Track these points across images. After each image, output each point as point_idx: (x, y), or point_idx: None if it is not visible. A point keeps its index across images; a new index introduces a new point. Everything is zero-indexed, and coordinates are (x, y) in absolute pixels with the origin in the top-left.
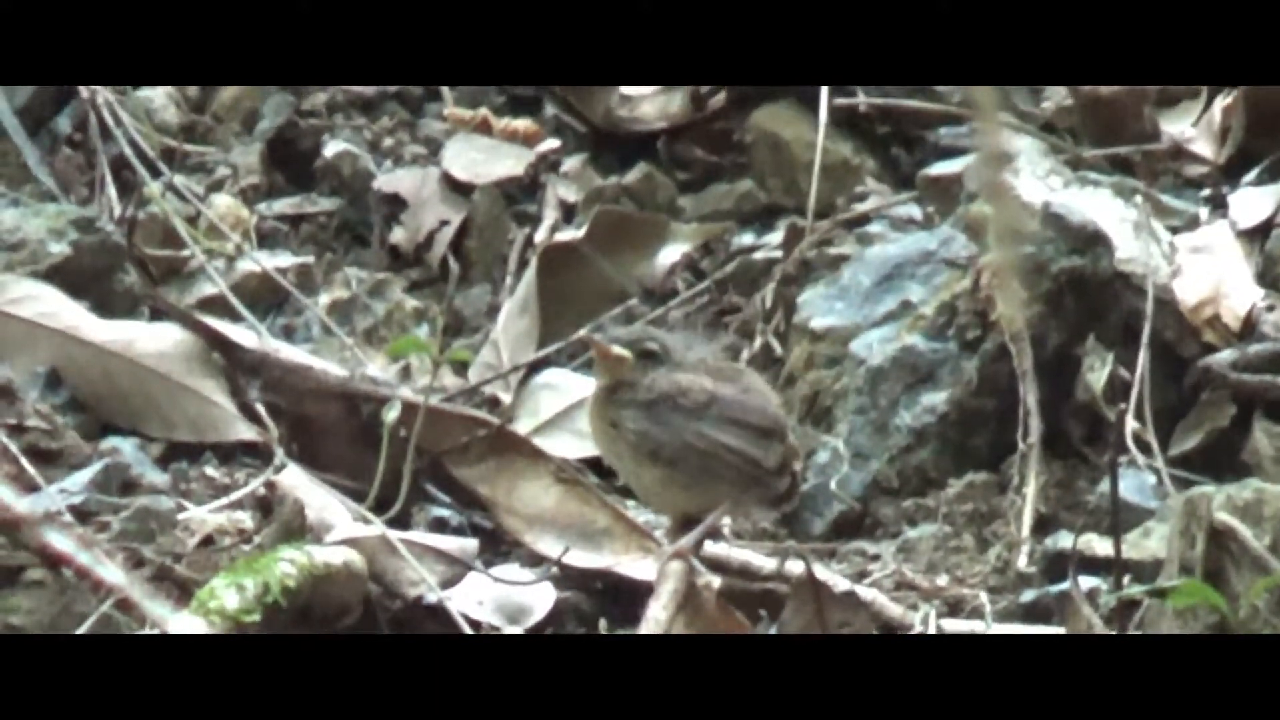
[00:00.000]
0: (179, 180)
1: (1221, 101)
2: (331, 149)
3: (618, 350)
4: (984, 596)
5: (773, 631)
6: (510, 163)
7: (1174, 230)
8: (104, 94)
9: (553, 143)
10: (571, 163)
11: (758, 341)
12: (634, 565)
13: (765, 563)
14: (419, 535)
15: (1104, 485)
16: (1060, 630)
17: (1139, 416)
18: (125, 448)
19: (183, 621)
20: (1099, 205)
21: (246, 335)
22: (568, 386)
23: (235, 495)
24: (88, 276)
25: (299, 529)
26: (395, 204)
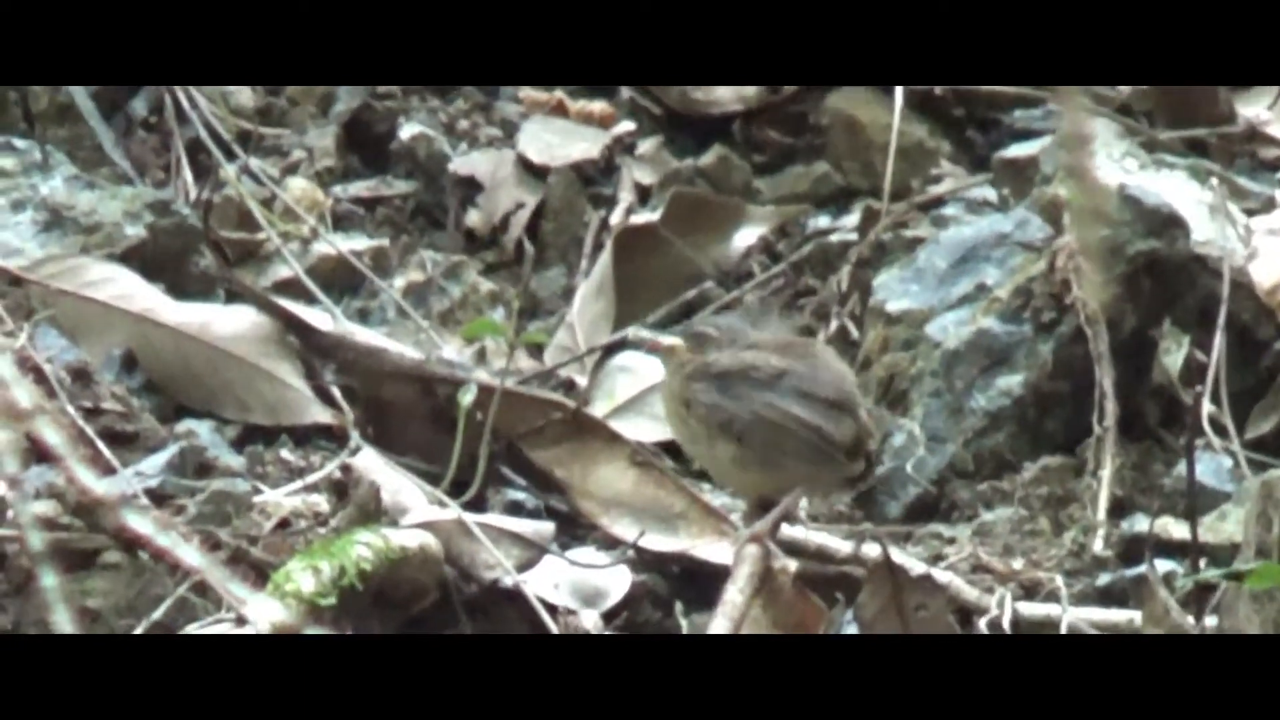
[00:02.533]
0: (254, 163)
1: None
2: (407, 131)
3: (665, 340)
4: (1059, 580)
5: (849, 616)
6: (585, 145)
7: (1250, 213)
8: None
9: (628, 125)
10: (647, 145)
11: (833, 324)
12: (710, 548)
13: (841, 546)
14: (495, 518)
15: (1180, 468)
16: (1133, 615)
17: (1215, 399)
18: (201, 430)
19: (259, 604)
20: (1175, 188)
21: (322, 318)
22: (644, 369)
23: (311, 478)
24: (163, 259)
25: (374, 512)
26: (470, 186)
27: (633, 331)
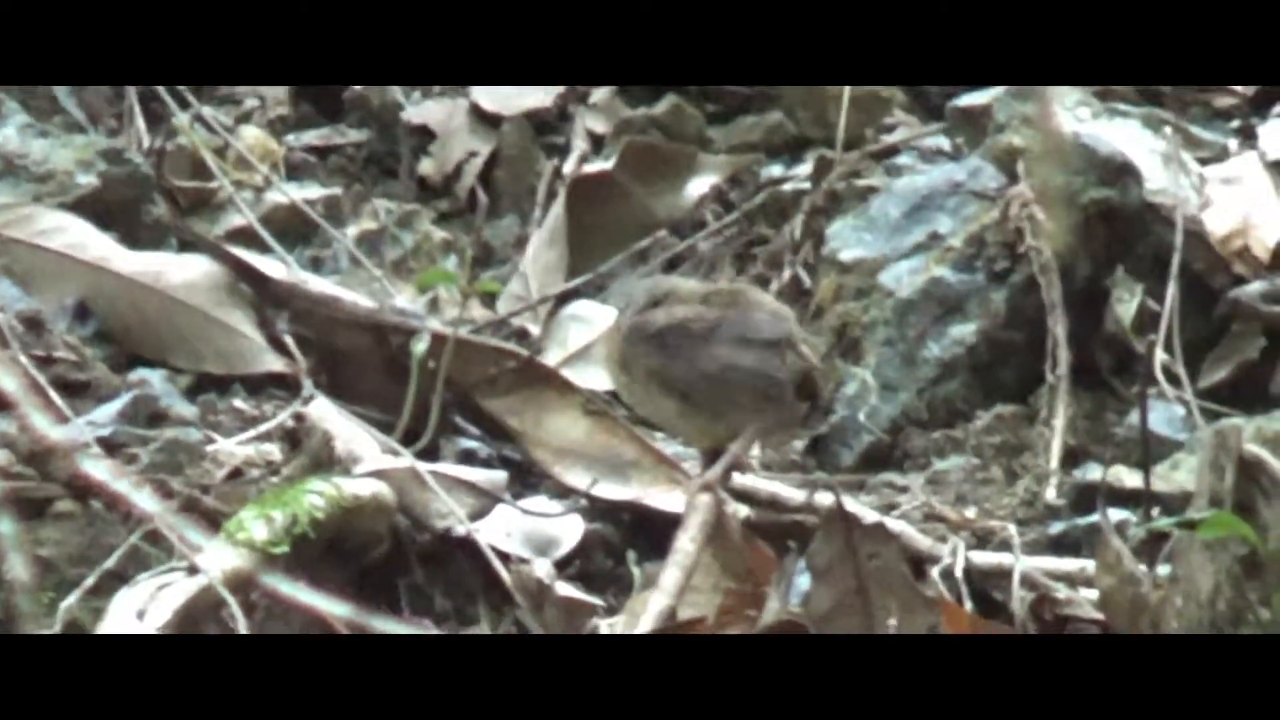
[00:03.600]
0: (207, 112)
1: None
2: None
3: None
4: (1012, 529)
5: (801, 564)
6: (539, 94)
7: (1203, 162)
8: None
9: None
10: (600, 94)
11: (786, 273)
12: (662, 497)
13: (794, 494)
14: (447, 467)
15: (1133, 417)
16: (1086, 564)
17: (1168, 348)
18: (154, 379)
19: (212, 552)
20: (1128, 136)
21: (275, 267)
22: (596, 318)
23: (264, 427)
24: (116, 208)
25: (327, 461)
26: (424, 135)
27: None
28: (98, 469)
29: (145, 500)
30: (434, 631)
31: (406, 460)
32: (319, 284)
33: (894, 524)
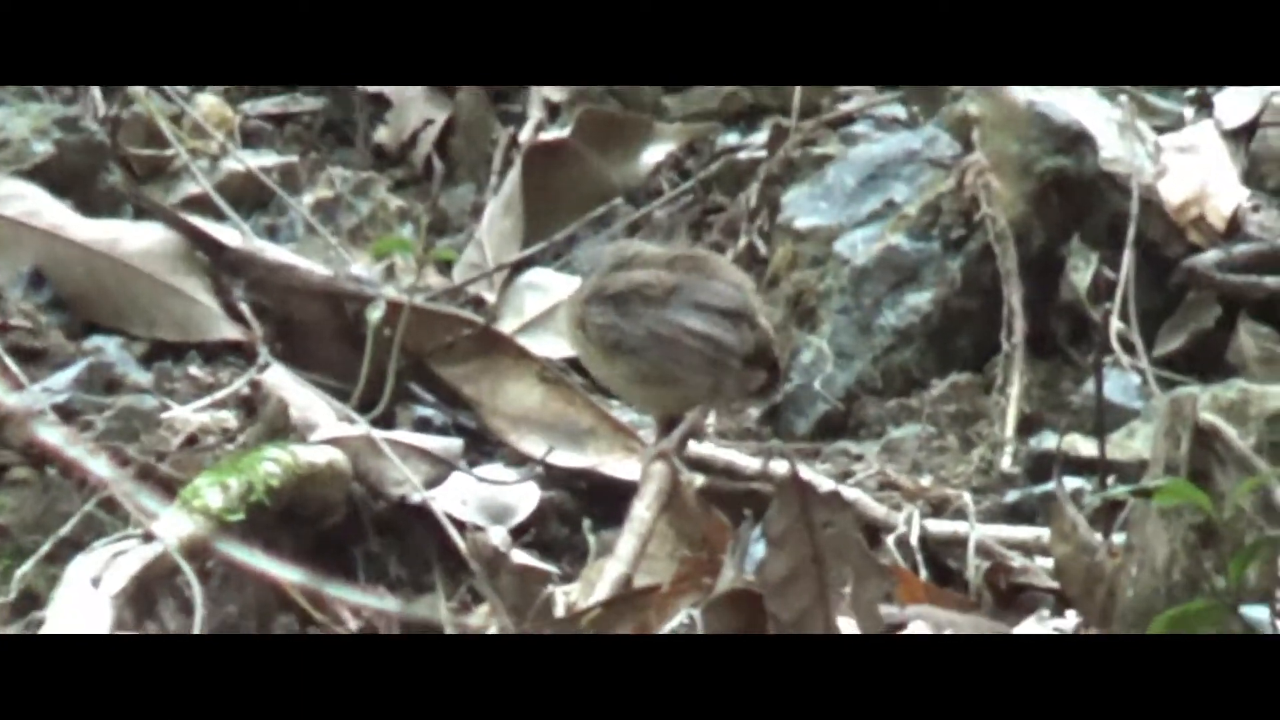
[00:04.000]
0: None
1: None
2: None
3: None
4: (967, 497)
5: (756, 533)
6: None
7: (1159, 130)
8: None
9: None
10: None
11: (742, 241)
12: (618, 465)
13: (749, 462)
14: (403, 435)
15: (1088, 386)
16: (1041, 532)
17: (1123, 317)
18: (109, 347)
19: (168, 520)
20: (1084, 105)
21: (231, 234)
22: (552, 286)
23: (219, 394)
24: (71, 175)
25: (283, 428)
26: (379, 103)
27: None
28: (53, 436)
29: (100, 467)
30: (394, 605)
31: (362, 428)
32: (275, 252)
33: (849, 492)
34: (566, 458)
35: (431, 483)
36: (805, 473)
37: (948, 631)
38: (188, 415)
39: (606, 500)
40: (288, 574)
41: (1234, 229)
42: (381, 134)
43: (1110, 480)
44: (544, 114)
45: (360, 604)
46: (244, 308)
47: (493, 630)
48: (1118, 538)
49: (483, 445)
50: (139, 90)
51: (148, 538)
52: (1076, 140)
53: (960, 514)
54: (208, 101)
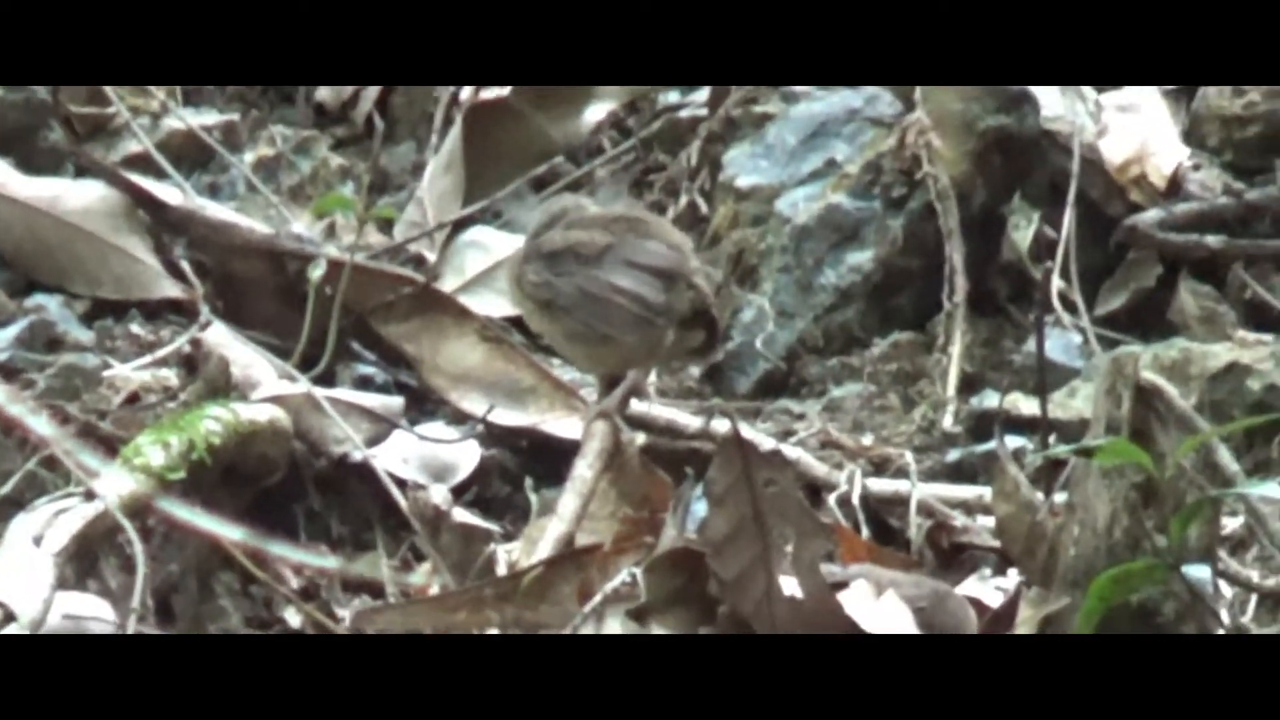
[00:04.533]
0: None
1: None
2: None
3: None
4: (909, 456)
5: (698, 491)
6: None
7: (1100, 89)
8: None
9: None
10: None
11: (683, 200)
12: (559, 423)
13: (691, 421)
14: (344, 393)
15: (1030, 344)
16: (982, 491)
17: (1065, 275)
18: (50, 305)
19: (109, 478)
20: None
21: (172, 193)
22: (493, 244)
23: (160, 353)
24: (12, 134)
25: (224, 386)
26: None
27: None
28: None
29: (41, 426)
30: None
31: (303, 386)
32: (216, 210)
33: (791, 451)
34: (508, 416)
35: (373, 441)
36: (747, 431)
37: (889, 590)
38: (129, 373)
39: (548, 459)
40: (229, 532)
41: (1175, 188)
42: (323, 92)
43: (1052, 439)
44: None
45: (301, 562)
46: (185, 266)
47: (435, 589)
48: (1059, 497)
49: (424, 403)
50: None
51: (89, 496)
52: (1018, 99)
53: (902, 473)
54: None
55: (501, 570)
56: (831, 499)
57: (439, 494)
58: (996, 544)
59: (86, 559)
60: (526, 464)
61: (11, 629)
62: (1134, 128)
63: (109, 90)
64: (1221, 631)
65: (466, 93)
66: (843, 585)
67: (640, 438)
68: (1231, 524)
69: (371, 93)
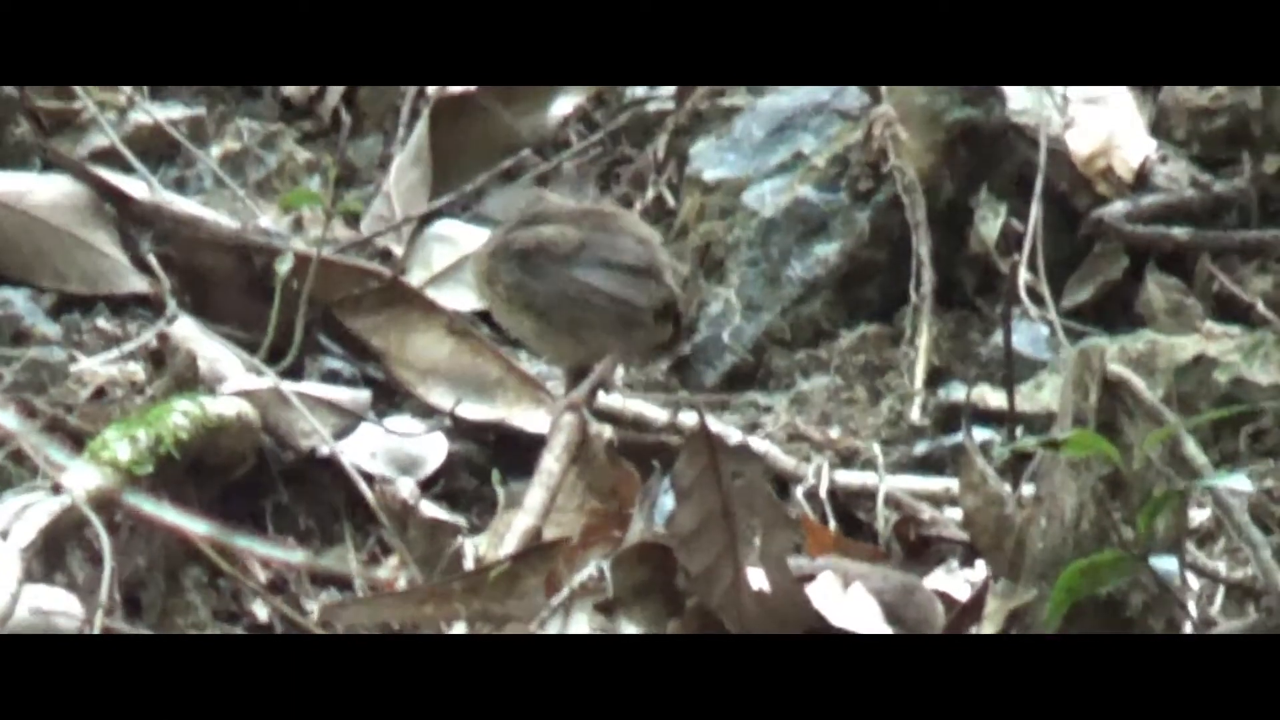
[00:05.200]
0: None
1: None
2: None
3: None
4: (877, 448)
5: (665, 485)
6: None
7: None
8: None
9: None
10: None
11: (650, 193)
12: (527, 417)
13: (658, 414)
14: (311, 386)
15: (997, 337)
16: (950, 483)
17: (1032, 268)
18: (16, 299)
19: (76, 472)
20: None
21: (138, 187)
22: (460, 238)
23: (127, 347)
24: None
25: (191, 380)
26: None
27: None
28: None
29: (6, 420)
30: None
31: (270, 380)
32: (182, 204)
33: (758, 444)
34: (475, 409)
35: (340, 434)
36: (714, 424)
37: (856, 582)
38: (96, 367)
39: (515, 452)
40: (195, 527)
41: (1141, 180)
42: (289, 86)
43: (1019, 431)
44: None
45: (268, 556)
46: (152, 260)
47: (402, 583)
48: (1027, 489)
49: (391, 397)
50: None
51: (56, 490)
52: (984, 91)
53: (869, 465)
54: None
55: (469, 564)
56: (799, 491)
57: (406, 487)
58: (964, 536)
59: (54, 553)
60: (494, 457)
61: None
62: (1101, 120)
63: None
64: (1189, 624)
65: (433, 87)
66: (810, 578)
67: (608, 431)
68: (1199, 516)
69: (338, 87)
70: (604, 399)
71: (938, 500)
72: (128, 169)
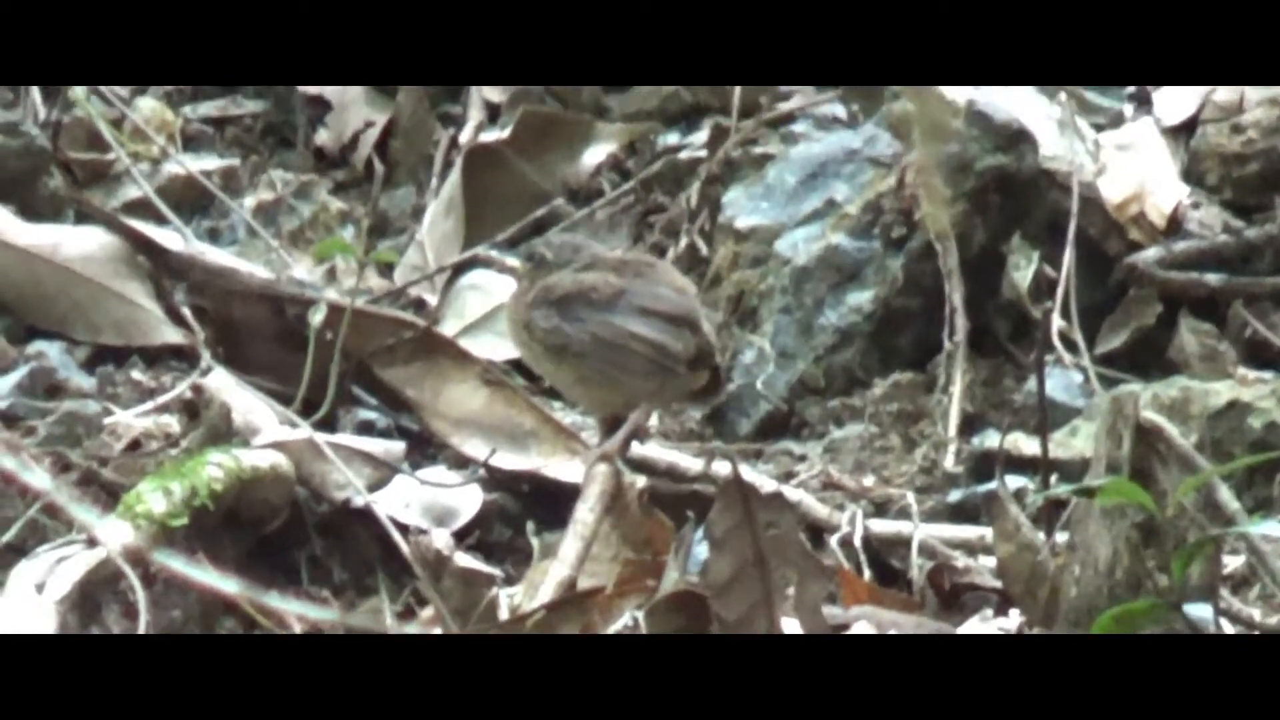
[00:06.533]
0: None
1: None
2: None
3: (510, 261)
4: (911, 496)
5: (699, 534)
6: None
7: (1099, 128)
8: None
9: None
10: None
11: (683, 241)
12: (561, 467)
13: (692, 464)
14: (346, 438)
15: (1030, 384)
16: (984, 531)
17: (1065, 315)
18: (51, 352)
19: (110, 526)
20: (1023, 103)
21: (172, 238)
22: (493, 288)
23: (162, 399)
24: (13, 180)
25: (225, 432)
26: (320, 105)
27: (482, 250)
28: None
29: (35, 477)
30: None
31: (304, 431)
32: (216, 255)
33: (792, 493)
34: (509, 460)
35: (374, 486)
36: (748, 473)
37: (891, 631)
38: (130, 420)
39: (549, 502)
40: (225, 584)
41: (1174, 226)
42: (322, 136)
43: (1053, 479)
44: (484, 115)
45: (301, 614)
46: (186, 311)
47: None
48: (1061, 536)
49: (425, 448)
50: (80, 94)
51: (91, 543)
52: (1016, 138)
53: (903, 513)
54: (148, 105)
55: (504, 615)
56: (833, 540)
57: (441, 539)
58: (998, 584)
59: (89, 606)
60: (528, 508)
61: None
62: (1133, 166)
63: (109, 136)
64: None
65: (466, 136)
66: (845, 627)
67: (641, 480)
68: (1233, 563)
69: (371, 136)
70: (638, 449)
71: (972, 548)
72: (161, 220)
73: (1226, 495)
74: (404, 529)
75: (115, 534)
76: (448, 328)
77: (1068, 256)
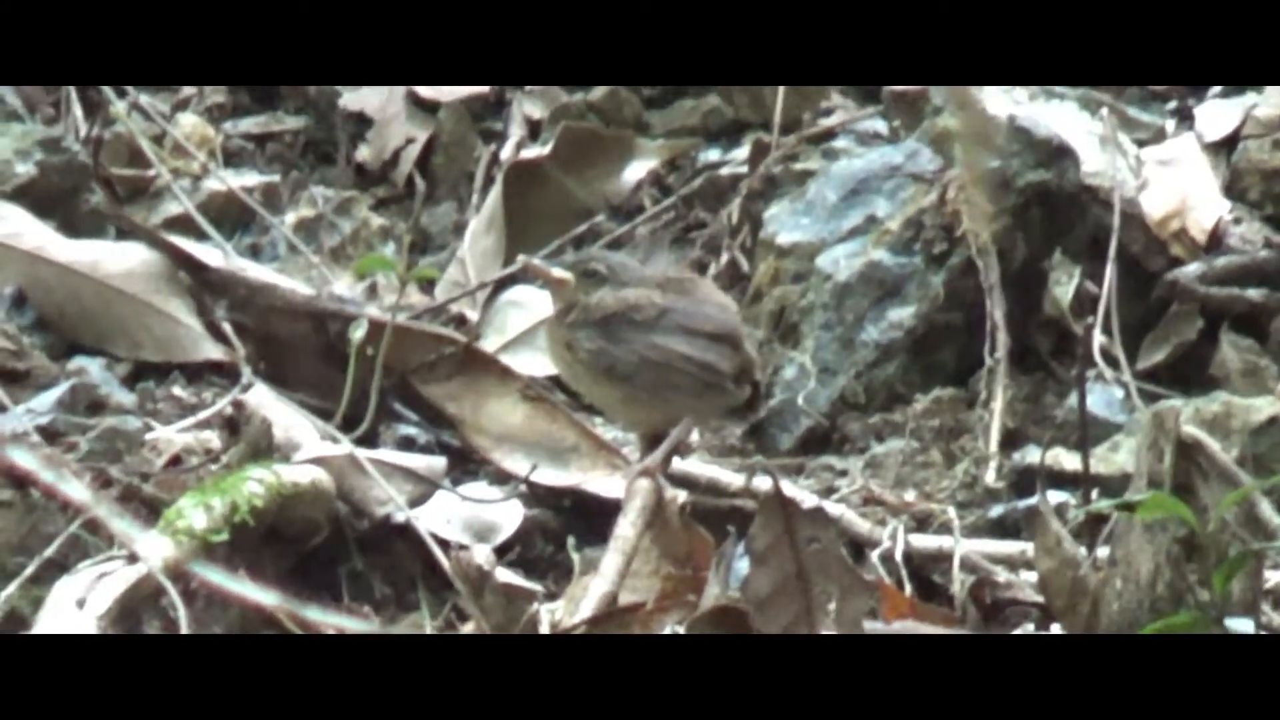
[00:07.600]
0: (144, 99)
1: None
2: None
3: (558, 273)
4: (952, 512)
5: (740, 549)
6: None
7: (1140, 143)
8: None
9: None
10: None
11: (724, 257)
12: (602, 482)
13: (733, 479)
14: (387, 454)
15: (1072, 399)
16: (1025, 547)
17: (1106, 330)
18: (92, 368)
19: (151, 541)
20: (1065, 118)
21: (213, 254)
22: (534, 304)
23: (202, 415)
24: (54, 196)
25: (266, 448)
26: (361, 122)
27: (523, 258)
28: (26, 459)
29: (76, 491)
30: (389, 628)
31: (345, 447)
32: (257, 271)
33: (833, 508)
34: (550, 475)
35: (415, 501)
36: (789, 489)
37: None
38: (171, 436)
39: (590, 518)
40: (265, 598)
41: (1215, 241)
42: (363, 152)
43: (1094, 494)
44: (525, 131)
45: (341, 627)
46: (226, 327)
47: None
48: (1102, 551)
49: (466, 464)
50: (120, 110)
51: (132, 559)
52: (1058, 154)
53: (945, 529)
54: (189, 121)
55: (545, 630)
56: (874, 555)
57: (482, 554)
58: (1039, 599)
59: (130, 621)
60: (569, 523)
61: None
62: (1174, 181)
63: (150, 152)
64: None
65: (507, 152)
66: None
67: (682, 496)
68: (1274, 577)
69: (412, 152)
70: (679, 464)
71: (1013, 563)
72: (202, 236)
73: (1268, 510)
74: (445, 545)
75: (156, 549)
76: (489, 344)
77: (1109, 272)
